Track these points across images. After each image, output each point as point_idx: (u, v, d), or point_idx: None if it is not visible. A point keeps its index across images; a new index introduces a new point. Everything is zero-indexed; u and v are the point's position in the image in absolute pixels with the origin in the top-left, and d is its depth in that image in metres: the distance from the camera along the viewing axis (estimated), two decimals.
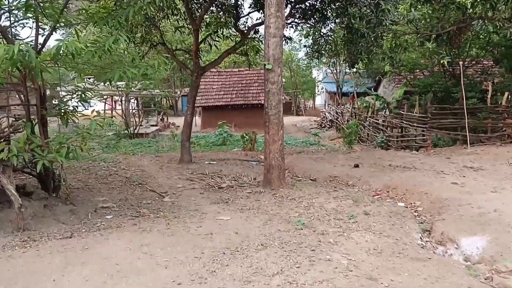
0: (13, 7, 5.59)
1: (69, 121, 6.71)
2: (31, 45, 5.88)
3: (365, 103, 23.58)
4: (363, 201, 7.22)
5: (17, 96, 6.71)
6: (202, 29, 11.65)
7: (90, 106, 21.01)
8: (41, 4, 5.39)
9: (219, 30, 11.73)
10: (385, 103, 21.20)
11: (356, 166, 10.91)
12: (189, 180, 9.09)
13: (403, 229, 5.76)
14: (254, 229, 5.22)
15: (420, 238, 5.87)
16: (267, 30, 7.98)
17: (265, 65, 8.14)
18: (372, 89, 29.24)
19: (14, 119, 6.96)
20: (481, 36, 15.82)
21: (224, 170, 10.45)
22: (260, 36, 13.01)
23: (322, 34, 12.37)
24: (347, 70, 38.84)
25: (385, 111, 19.93)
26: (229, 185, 8.61)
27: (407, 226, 5.96)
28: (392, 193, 8.91)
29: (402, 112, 16.94)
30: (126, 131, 20.68)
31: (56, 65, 5.75)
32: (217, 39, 12.26)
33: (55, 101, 7.76)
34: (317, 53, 12.26)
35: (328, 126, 28.25)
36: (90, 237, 5.12)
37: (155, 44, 11.55)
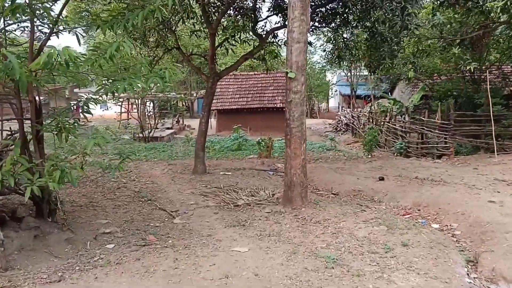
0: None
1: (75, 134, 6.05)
2: (26, 51, 5.33)
3: (382, 107, 22.75)
4: (398, 226, 6.49)
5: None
6: (219, 33, 11.05)
7: (107, 109, 20.62)
8: (34, 6, 4.78)
9: (236, 34, 11.11)
10: (403, 107, 20.35)
11: (381, 179, 10.16)
12: (202, 196, 8.47)
13: (447, 264, 5.03)
14: (276, 268, 4.52)
15: (467, 274, 5.13)
16: (290, 35, 7.31)
17: (287, 72, 7.47)
18: (389, 92, 28.36)
19: (8, 135, 6.42)
20: (501, 41, 15.02)
21: (240, 183, 9.82)
22: (278, 40, 12.37)
23: (344, 39, 11.65)
24: (363, 74, 38.02)
25: (404, 116, 19.11)
26: (246, 202, 7.95)
27: (451, 260, 5.22)
28: (424, 211, 8.17)
29: (423, 118, 16.13)
30: (141, 135, 20.25)
31: (52, 75, 5.16)
32: (234, 43, 11.66)
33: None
34: (338, 59, 11.54)
35: (343, 129, 27.45)
36: (82, 281, 4.39)
37: (169, 48, 10.99)
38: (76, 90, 37.63)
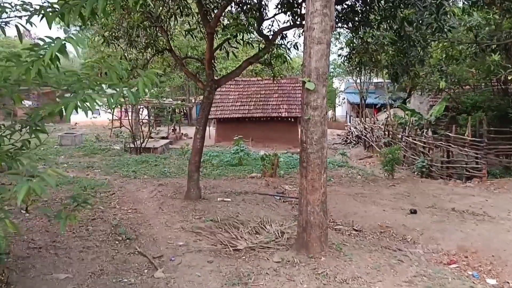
0: None
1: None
2: None
3: (399, 119, 21.07)
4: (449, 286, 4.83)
5: None
6: (218, 33, 9.40)
7: (99, 115, 18.84)
8: None
9: (238, 34, 9.46)
10: (422, 119, 18.67)
11: (413, 212, 8.48)
12: (194, 233, 6.76)
13: None
14: None
15: None
16: (308, 34, 5.67)
17: (303, 82, 5.82)
18: (406, 101, 26.72)
19: None
20: None
21: (241, 213, 8.13)
22: (288, 42, 10.72)
23: (365, 41, 9.99)
24: (373, 81, 36.35)
25: (423, 130, 17.44)
26: (249, 245, 6.26)
27: None
28: (473, 259, 6.51)
29: (450, 134, 14.45)
30: (132, 145, 18.55)
31: None
32: (235, 45, 10.03)
33: None
34: (359, 65, 9.85)
35: (354, 142, 25.75)
36: None
37: (160, 50, 9.34)
38: (67, 94, 36.11)
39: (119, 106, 21.18)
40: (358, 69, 10.26)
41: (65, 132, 21.53)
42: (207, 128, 27.12)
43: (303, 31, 11.64)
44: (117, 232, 6.64)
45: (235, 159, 16.08)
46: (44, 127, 4.10)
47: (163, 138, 22.93)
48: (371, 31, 9.61)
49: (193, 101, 36.07)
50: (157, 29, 9.37)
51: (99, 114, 21.65)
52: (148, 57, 9.26)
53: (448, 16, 8.89)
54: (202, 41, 10.53)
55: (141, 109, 20.72)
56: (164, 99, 22.37)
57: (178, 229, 6.97)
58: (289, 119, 23.25)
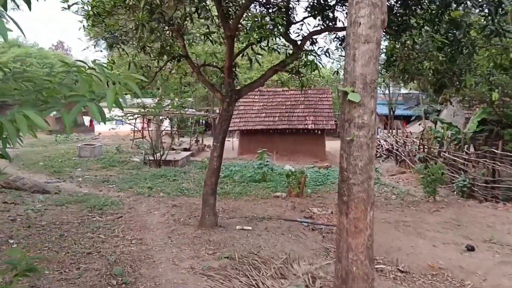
0: None
1: None
2: None
3: (435, 132, 19.43)
4: None
5: None
6: (240, 38, 8.26)
7: (123, 124, 17.98)
8: None
9: (263, 39, 8.32)
10: (459, 133, 17.02)
11: (470, 249, 7.04)
12: (205, 276, 5.56)
13: None
14: None
15: None
16: (352, 30, 4.44)
17: (345, 93, 4.58)
18: (441, 113, 24.97)
19: None
20: None
21: (263, 246, 6.90)
22: (318, 48, 9.49)
23: (408, 46, 8.65)
24: (402, 91, 34.61)
25: (460, 145, 15.83)
26: None
27: None
28: None
29: (496, 151, 12.83)
30: (152, 158, 17.61)
31: None
32: (259, 51, 8.89)
33: None
34: (403, 74, 8.49)
35: (384, 156, 24.12)
36: None
37: (175, 56, 8.29)
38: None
39: (141, 116, 20.46)
40: (401, 77, 8.94)
41: (84, 144, 20.86)
42: (231, 139, 26.24)
43: (335, 38, 10.48)
44: (112, 273, 5.50)
45: (258, 174, 14.87)
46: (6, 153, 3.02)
47: (185, 149, 21.99)
48: (415, 35, 8.29)
49: (217, 111, 35.14)
50: (172, 33, 8.33)
51: (122, 124, 20.83)
52: (161, 64, 8.22)
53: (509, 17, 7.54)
54: (222, 46, 9.43)
55: (163, 120, 19.83)
56: (187, 109, 21.39)
57: (187, 269, 5.79)
58: (316, 131, 21.92)
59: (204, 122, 33.43)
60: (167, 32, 8.33)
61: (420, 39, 8.52)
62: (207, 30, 8.07)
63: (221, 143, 7.72)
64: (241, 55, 8.60)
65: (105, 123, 2.66)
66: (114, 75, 3.25)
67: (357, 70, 4.51)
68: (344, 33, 10.16)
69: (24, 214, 8.04)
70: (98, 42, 6.80)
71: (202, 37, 8.92)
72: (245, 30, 8.41)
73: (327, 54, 9.61)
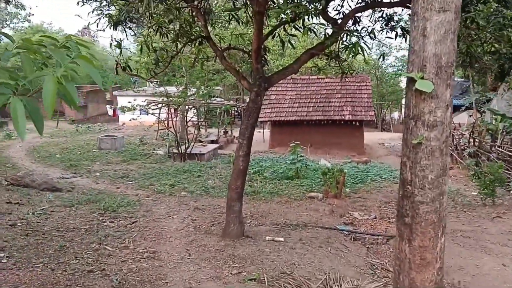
0: None
1: None
2: None
3: (487, 124, 17.53)
4: None
5: None
6: (270, 17, 7.03)
7: (147, 114, 17.15)
8: None
9: (299, 17, 7.09)
10: None
11: None
12: None
13: None
14: None
15: None
16: None
17: (410, 80, 3.33)
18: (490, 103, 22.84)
19: None
20: None
21: (297, 263, 5.75)
22: (362, 28, 8.14)
23: (473, 23, 7.13)
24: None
25: None
26: None
27: None
28: None
29: None
30: (176, 151, 16.70)
31: None
32: (292, 32, 7.66)
33: None
34: (468, 56, 6.99)
35: None
36: None
37: (194, 38, 7.17)
38: (116, 92, 35.54)
39: (166, 106, 19.61)
40: (462, 61, 7.46)
41: (105, 135, 20.18)
42: (262, 130, 25.08)
43: (380, 17, 9.05)
44: None
45: (291, 170, 13.66)
46: None
47: (212, 142, 21.02)
48: (480, 11, 6.77)
49: (247, 100, 34.06)
50: (192, 11, 7.23)
51: (147, 114, 20.02)
52: (179, 47, 7.12)
53: None
54: (250, 29, 8.22)
55: (188, 110, 18.88)
56: (214, 98, 20.36)
57: None
58: (354, 122, 20.40)
59: (238, 111, 32.28)
60: (186, 10, 7.22)
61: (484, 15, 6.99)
62: (233, 5, 6.87)
63: (248, 139, 6.57)
64: (271, 36, 7.38)
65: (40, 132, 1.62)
66: (58, 51, 2.13)
67: (428, 49, 3.21)
68: (392, 10, 8.76)
69: (26, 217, 7.21)
70: (100, 19, 5.71)
71: (227, 17, 7.77)
72: (276, 5, 7.19)
73: (372, 35, 8.24)
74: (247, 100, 27.24)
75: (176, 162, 16.01)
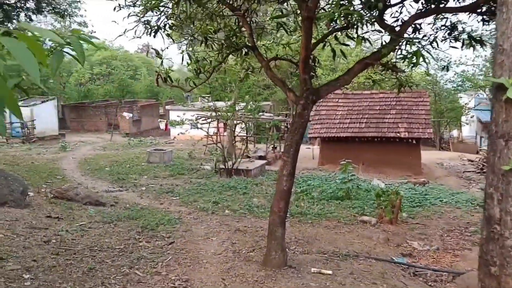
0: None
1: None
2: None
3: None
4: None
5: None
6: (320, 20, 6.41)
7: (197, 129, 17.00)
8: None
9: (354, 25, 6.41)
10: None
11: None
12: None
13: None
14: None
15: None
16: None
17: (499, 87, 2.56)
18: None
19: None
20: None
21: None
22: (423, 37, 7.29)
23: None
24: None
25: None
26: None
27: None
28: None
29: None
30: (222, 166, 16.34)
31: None
32: (344, 40, 6.97)
33: None
34: None
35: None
36: None
37: (238, 47, 6.69)
38: (168, 107, 36.17)
39: (215, 120, 19.41)
40: None
41: (154, 149, 20.29)
42: (311, 146, 24.27)
43: (442, 26, 8.15)
44: None
45: (342, 190, 12.76)
46: None
47: (260, 157, 20.50)
48: None
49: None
50: (238, 20, 6.77)
51: (196, 128, 19.91)
52: (222, 57, 6.66)
53: None
54: (296, 35, 7.63)
55: (236, 125, 18.54)
56: (262, 113, 19.94)
57: None
58: (410, 140, 19.10)
59: (288, 127, 31.65)
60: (229, 19, 6.78)
61: None
62: (281, 12, 6.31)
63: (292, 157, 5.91)
64: (321, 45, 6.74)
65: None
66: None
67: None
68: (456, 18, 7.86)
69: (60, 234, 6.96)
70: (137, 26, 5.40)
71: (273, 26, 7.23)
72: (329, 13, 6.56)
73: (433, 44, 7.37)
74: None
75: (222, 177, 15.64)
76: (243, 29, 6.94)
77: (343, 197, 12.45)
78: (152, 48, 5.68)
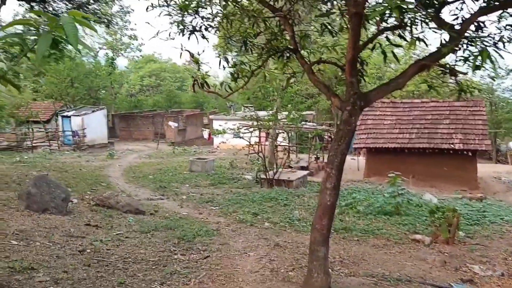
0: None
1: None
2: None
3: None
4: None
5: None
6: (370, 16, 5.84)
7: (240, 138, 16.80)
8: None
9: (405, 24, 5.82)
10: None
11: None
12: None
13: None
14: None
15: None
16: None
17: None
18: None
19: None
20: None
21: None
22: (488, 36, 6.49)
23: None
24: None
25: None
26: None
27: None
28: None
29: None
30: (263, 176, 15.91)
31: None
32: (396, 40, 6.34)
33: None
34: None
35: None
36: None
37: (280, 51, 6.25)
38: (212, 116, 36.33)
39: (257, 129, 19.07)
40: None
41: (196, 158, 20.23)
42: (356, 157, 23.34)
43: (508, 25, 7.31)
44: None
45: (390, 205, 11.91)
46: None
47: (302, 168, 19.90)
48: None
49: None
50: (279, 22, 6.35)
51: (238, 137, 19.67)
52: (260, 62, 6.24)
53: None
54: (344, 37, 7.07)
55: (278, 134, 18.10)
56: (305, 123, 19.39)
57: None
58: (465, 152, 17.79)
59: (331, 137, 30.79)
60: (270, 21, 6.37)
61: None
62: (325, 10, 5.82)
63: (337, 169, 5.35)
64: (371, 47, 6.17)
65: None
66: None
67: None
68: None
69: (95, 244, 6.76)
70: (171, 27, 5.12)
71: (317, 28, 6.75)
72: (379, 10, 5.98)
73: (499, 44, 6.57)
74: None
75: (263, 188, 15.23)
76: (285, 32, 6.51)
77: (392, 212, 11.61)
78: (185, 50, 5.35)
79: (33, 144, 27.20)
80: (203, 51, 5.77)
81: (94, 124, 31.19)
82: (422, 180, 17.52)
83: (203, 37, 5.62)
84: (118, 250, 6.82)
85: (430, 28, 6.12)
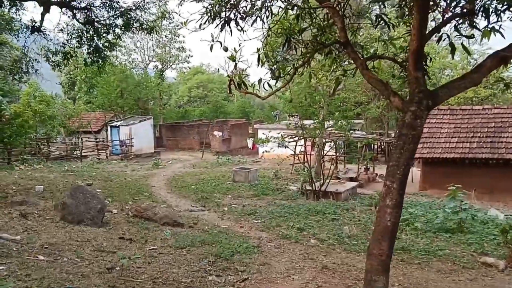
0: None
1: None
2: None
3: None
4: None
5: None
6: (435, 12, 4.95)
7: (285, 147, 16.03)
8: None
9: (479, 11, 4.90)
10: None
11: None
12: None
13: None
14: None
15: None
16: None
17: None
18: None
19: None
20: None
21: None
22: None
23: None
24: None
25: None
26: None
27: None
28: None
29: None
30: (309, 187, 15.02)
31: None
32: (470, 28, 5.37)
33: None
34: None
35: None
36: None
37: (327, 44, 5.46)
38: (257, 125, 35.77)
39: (303, 138, 18.22)
40: None
41: (239, 167, 19.64)
42: (410, 169, 21.68)
43: None
44: None
45: (452, 221, 10.65)
46: None
47: (351, 179, 18.76)
48: None
49: (392, 135, 30.76)
50: (327, 14, 5.59)
51: (284, 147, 18.90)
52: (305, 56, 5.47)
53: None
54: (405, 26, 6.15)
55: (324, 143, 17.15)
56: (353, 131, 18.30)
57: None
58: None
59: (382, 147, 29.16)
60: (318, 12, 5.62)
61: None
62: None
63: (400, 183, 4.44)
64: (437, 38, 5.25)
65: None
66: None
67: None
68: None
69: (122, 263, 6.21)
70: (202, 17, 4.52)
71: (371, 19, 5.89)
72: None
73: None
74: (392, 134, 24.10)
75: (309, 200, 14.36)
76: (334, 26, 5.72)
77: (454, 229, 10.37)
78: (217, 41, 4.69)
79: (82, 154, 27.85)
80: (240, 45, 5.08)
81: (141, 133, 31.59)
82: (486, 194, 15.89)
83: (238, 26, 4.92)
84: (149, 268, 6.23)
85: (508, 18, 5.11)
